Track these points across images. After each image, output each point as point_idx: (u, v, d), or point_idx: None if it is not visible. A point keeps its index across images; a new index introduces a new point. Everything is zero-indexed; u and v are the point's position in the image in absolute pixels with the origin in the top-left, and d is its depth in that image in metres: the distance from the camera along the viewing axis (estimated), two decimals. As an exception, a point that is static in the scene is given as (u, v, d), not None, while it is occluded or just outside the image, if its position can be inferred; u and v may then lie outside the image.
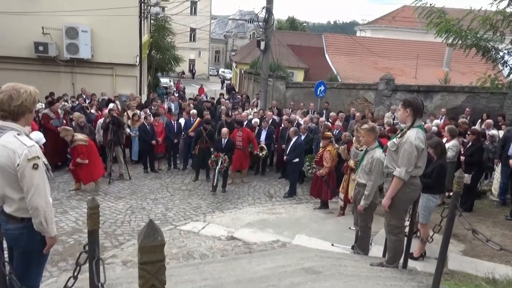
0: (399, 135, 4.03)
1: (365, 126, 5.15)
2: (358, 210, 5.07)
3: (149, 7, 16.81)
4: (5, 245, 3.07)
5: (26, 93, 2.74)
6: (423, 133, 4.08)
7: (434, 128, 9.57)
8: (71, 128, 8.89)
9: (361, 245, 5.31)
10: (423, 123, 4.82)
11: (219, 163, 9.07)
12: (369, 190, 4.90)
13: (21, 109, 2.72)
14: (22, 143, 2.68)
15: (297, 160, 9.21)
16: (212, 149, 9.80)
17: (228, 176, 9.65)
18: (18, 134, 2.72)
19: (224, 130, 9.69)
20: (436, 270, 3.68)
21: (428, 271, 4.54)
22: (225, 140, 9.53)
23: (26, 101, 2.74)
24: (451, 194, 7.33)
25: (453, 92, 14.17)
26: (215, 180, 9.12)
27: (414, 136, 3.90)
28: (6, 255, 3.11)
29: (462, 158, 7.48)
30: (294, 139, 9.33)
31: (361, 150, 6.93)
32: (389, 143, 4.17)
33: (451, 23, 7.33)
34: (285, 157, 9.57)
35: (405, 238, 4.40)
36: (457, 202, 3.49)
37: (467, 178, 6.74)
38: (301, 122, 11.10)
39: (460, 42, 7.42)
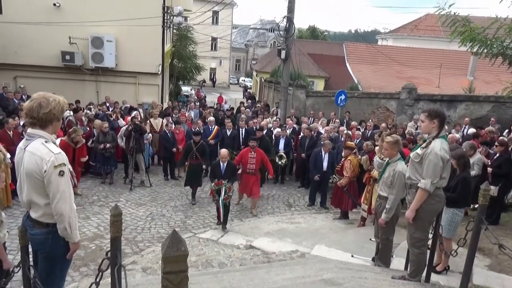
0: (423, 146, 3.95)
1: (390, 138, 4.98)
2: (379, 224, 4.98)
3: (172, 17, 17.11)
4: (30, 249, 3.15)
5: (55, 101, 2.84)
6: (447, 143, 4.00)
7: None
8: (80, 129, 9.12)
9: (382, 258, 5.21)
10: (447, 134, 4.73)
11: (223, 193, 7.37)
12: (391, 204, 4.79)
13: (49, 116, 2.81)
14: (50, 150, 2.76)
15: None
16: (208, 174, 8.32)
17: (229, 210, 7.82)
18: (46, 142, 2.80)
19: (224, 152, 7.96)
20: (461, 285, 3.57)
21: (452, 286, 4.41)
22: (225, 165, 7.77)
23: (55, 109, 2.82)
24: (475, 206, 7.14)
25: (478, 102, 13.81)
26: (221, 213, 7.43)
27: (439, 146, 3.82)
28: (30, 259, 3.19)
29: (489, 169, 7.27)
30: (328, 153, 8.95)
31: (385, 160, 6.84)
32: (412, 154, 4.09)
33: (476, 31, 7.20)
34: (317, 175, 8.85)
35: (428, 251, 4.29)
36: (483, 215, 3.38)
37: (493, 190, 6.54)
38: (322, 131, 11.05)
39: (485, 51, 7.28)
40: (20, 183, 2.91)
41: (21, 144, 2.90)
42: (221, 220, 7.47)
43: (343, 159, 7.97)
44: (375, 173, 7.06)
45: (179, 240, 1.35)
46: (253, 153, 8.52)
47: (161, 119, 11.70)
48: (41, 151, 2.75)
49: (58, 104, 2.85)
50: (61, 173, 2.76)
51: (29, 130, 2.85)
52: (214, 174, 7.75)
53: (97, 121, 10.30)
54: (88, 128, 10.39)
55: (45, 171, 2.71)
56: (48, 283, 2.94)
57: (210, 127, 11.30)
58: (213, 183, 7.53)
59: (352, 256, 5.79)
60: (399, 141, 4.95)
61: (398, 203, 4.90)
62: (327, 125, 11.70)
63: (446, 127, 4.03)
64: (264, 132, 11.04)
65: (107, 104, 13.89)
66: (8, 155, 7.58)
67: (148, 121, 11.55)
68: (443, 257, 4.90)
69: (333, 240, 6.69)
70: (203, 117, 13.35)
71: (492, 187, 5.72)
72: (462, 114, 13.55)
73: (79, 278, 5.36)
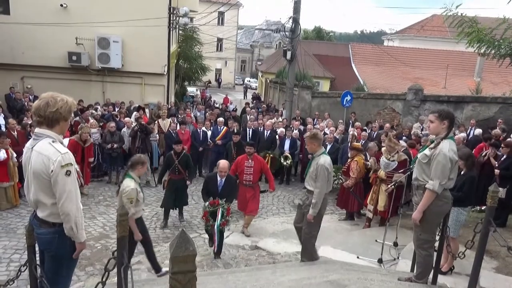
0: (431, 146, 3.92)
1: (307, 133, 5.16)
2: (308, 220, 4.99)
3: (178, 18, 17.15)
4: (36, 248, 3.16)
5: (62, 101, 2.84)
6: (455, 144, 3.97)
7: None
8: (87, 126, 9.22)
9: (305, 253, 5.24)
10: (454, 134, 4.70)
11: (219, 217, 5.83)
12: (317, 197, 4.84)
13: (55, 115, 2.81)
14: (57, 150, 2.77)
15: None
16: (202, 192, 6.47)
17: (223, 237, 6.27)
18: (53, 141, 2.81)
19: (223, 164, 6.29)
20: (469, 287, 3.54)
21: (459, 288, 4.38)
22: (223, 180, 6.27)
23: (62, 108, 2.83)
24: (482, 208, 7.08)
25: (485, 103, 13.71)
26: (215, 243, 5.94)
27: (447, 147, 3.79)
28: (37, 258, 3.20)
29: (497, 171, 7.22)
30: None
31: (393, 160, 6.85)
32: (419, 155, 4.06)
33: (483, 32, 7.16)
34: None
35: (435, 253, 4.26)
36: (491, 217, 3.35)
37: (501, 192, 6.49)
38: (327, 131, 11.02)
39: (493, 51, 7.24)
40: (28, 183, 2.92)
41: (28, 144, 2.92)
42: (215, 250, 6.04)
43: (349, 160, 7.93)
44: (381, 173, 7.06)
45: (188, 240, 1.35)
46: (250, 161, 7.07)
47: (169, 120, 11.70)
48: (48, 150, 2.76)
49: (66, 104, 2.86)
50: (68, 173, 2.76)
51: (37, 129, 2.86)
52: (208, 191, 6.20)
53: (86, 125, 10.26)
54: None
55: (52, 171, 2.72)
56: (54, 282, 2.95)
57: (218, 127, 11.31)
58: (207, 203, 5.97)
59: (358, 257, 5.77)
60: (316, 135, 5.02)
61: (324, 198, 4.95)
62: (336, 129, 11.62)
63: (453, 128, 4.01)
64: (268, 132, 11.03)
65: (108, 104, 13.92)
66: (15, 155, 7.66)
67: (156, 122, 11.57)
68: (449, 257, 4.87)
69: (339, 241, 6.66)
70: (207, 118, 13.34)
71: (500, 189, 5.68)
72: (469, 115, 13.46)
73: (85, 278, 5.39)
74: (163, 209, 7.73)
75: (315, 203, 4.85)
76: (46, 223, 2.88)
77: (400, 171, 6.72)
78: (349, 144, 8.97)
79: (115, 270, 2.58)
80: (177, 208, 7.84)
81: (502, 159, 7.34)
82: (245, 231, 7.20)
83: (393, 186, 6.30)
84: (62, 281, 3.06)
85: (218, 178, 6.26)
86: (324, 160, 4.89)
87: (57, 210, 2.80)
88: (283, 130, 11.12)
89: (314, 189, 4.87)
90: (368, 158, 7.74)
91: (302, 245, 5.26)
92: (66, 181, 2.75)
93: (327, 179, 4.87)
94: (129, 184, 5.13)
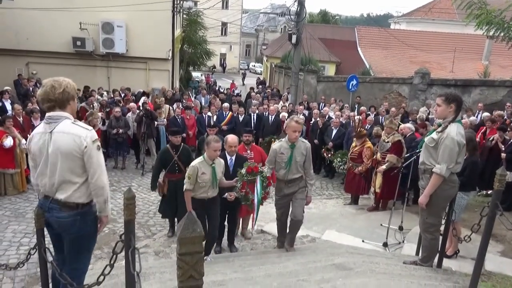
0: (438, 130, 3.89)
1: (292, 123, 4.78)
2: (307, 202, 5.17)
3: (181, 2, 16.98)
4: (46, 232, 3.19)
5: (65, 81, 2.90)
6: (463, 128, 3.94)
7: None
8: (97, 112, 9.27)
9: (294, 239, 5.34)
10: (461, 118, 4.66)
11: (258, 187, 4.87)
12: (314, 176, 5.17)
13: (64, 95, 2.85)
14: (83, 127, 2.85)
15: None
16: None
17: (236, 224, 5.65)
18: (74, 121, 2.89)
19: (232, 139, 5.21)
20: (474, 270, 3.55)
21: (464, 271, 4.39)
22: (233, 159, 5.27)
23: (68, 88, 2.88)
24: (489, 192, 7.05)
25: (493, 87, 13.52)
26: (254, 220, 5.21)
27: (455, 131, 3.76)
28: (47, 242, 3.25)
29: (503, 155, 7.17)
30: None
31: (388, 142, 6.91)
32: (426, 139, 4.02)
33: (492, 14, 7.05)
34: None
35: (441, 237, 4.27)
36: (498, 200, 3.34)
37: (509, 176, 6.44)
38: (332, 116, 10.97)
39: (502, 34, 7.13)
40: (44, 167, 2.86)
41: (41, 129, 2.89)
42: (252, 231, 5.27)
43: (358, 146, 7.84)
44: (378, 154, 7.21)
45: (195, 221, 1.36)
46: (249, 152, 6.08)
47: (167, 106, 11.63)
48: (76, 129, 2.81)
49: (69, 83, 2.92)
50: (98, 147, 2.87)
51: (49, 113, 2.86)
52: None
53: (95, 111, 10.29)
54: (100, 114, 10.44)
55: (86, 146, 2.77)
56: (76, 261, 3.04)
57: (224, 113, 11.28)
58: (243, 170, 4.81)
59: (363, 241, 5.80)
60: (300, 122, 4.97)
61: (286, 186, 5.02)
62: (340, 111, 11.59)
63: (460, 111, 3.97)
64: (273, 117, 10.98)
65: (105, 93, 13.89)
66: (23, 141, 7.72)
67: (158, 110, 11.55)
68: (454, 241, 4.89)
69: (344, 225, 6.70)
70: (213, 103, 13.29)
71: (507, 172, 5.65)
72: (476, 99, 13.29)
73: (93, 261, 5.44)
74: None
75: (312, 183, 5.13)
76: (68, 205, 2.86)
77: (393, 153, 6.85)
78: (353, 132, 8.91)
79: (123, 253, 2.61)
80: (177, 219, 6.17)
81: (509, 143, 7.30)
82: (245, 233, 6.18)
83: (384, 167, 6.64)
84: (84, 260, 3.13)
85: (228, 157, 5.22)
86: (304, 141, 5.04)
87: (85, 188, 2.86)
88: (285, 115, 11.06)
89: (309, 169, 4.99)
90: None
91: (295, 231, 5.24)
92: (99, 155, 2.86)
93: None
94: (194, 162, 4.80)
